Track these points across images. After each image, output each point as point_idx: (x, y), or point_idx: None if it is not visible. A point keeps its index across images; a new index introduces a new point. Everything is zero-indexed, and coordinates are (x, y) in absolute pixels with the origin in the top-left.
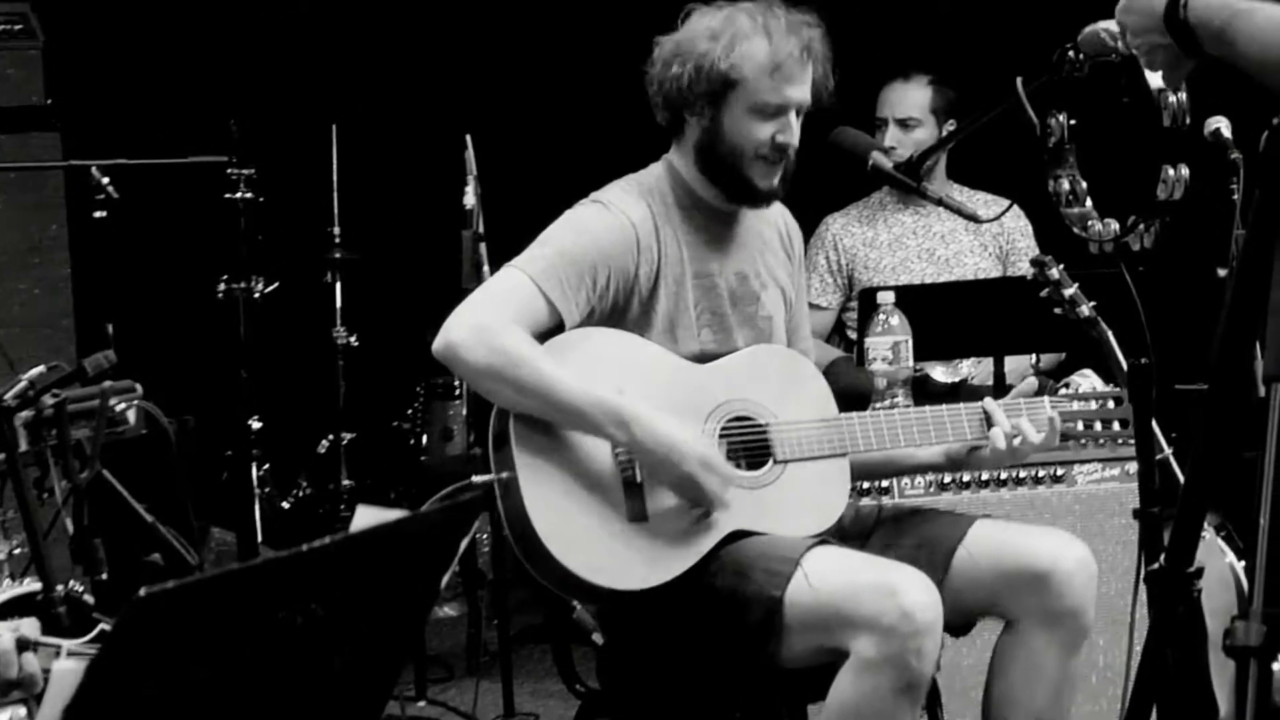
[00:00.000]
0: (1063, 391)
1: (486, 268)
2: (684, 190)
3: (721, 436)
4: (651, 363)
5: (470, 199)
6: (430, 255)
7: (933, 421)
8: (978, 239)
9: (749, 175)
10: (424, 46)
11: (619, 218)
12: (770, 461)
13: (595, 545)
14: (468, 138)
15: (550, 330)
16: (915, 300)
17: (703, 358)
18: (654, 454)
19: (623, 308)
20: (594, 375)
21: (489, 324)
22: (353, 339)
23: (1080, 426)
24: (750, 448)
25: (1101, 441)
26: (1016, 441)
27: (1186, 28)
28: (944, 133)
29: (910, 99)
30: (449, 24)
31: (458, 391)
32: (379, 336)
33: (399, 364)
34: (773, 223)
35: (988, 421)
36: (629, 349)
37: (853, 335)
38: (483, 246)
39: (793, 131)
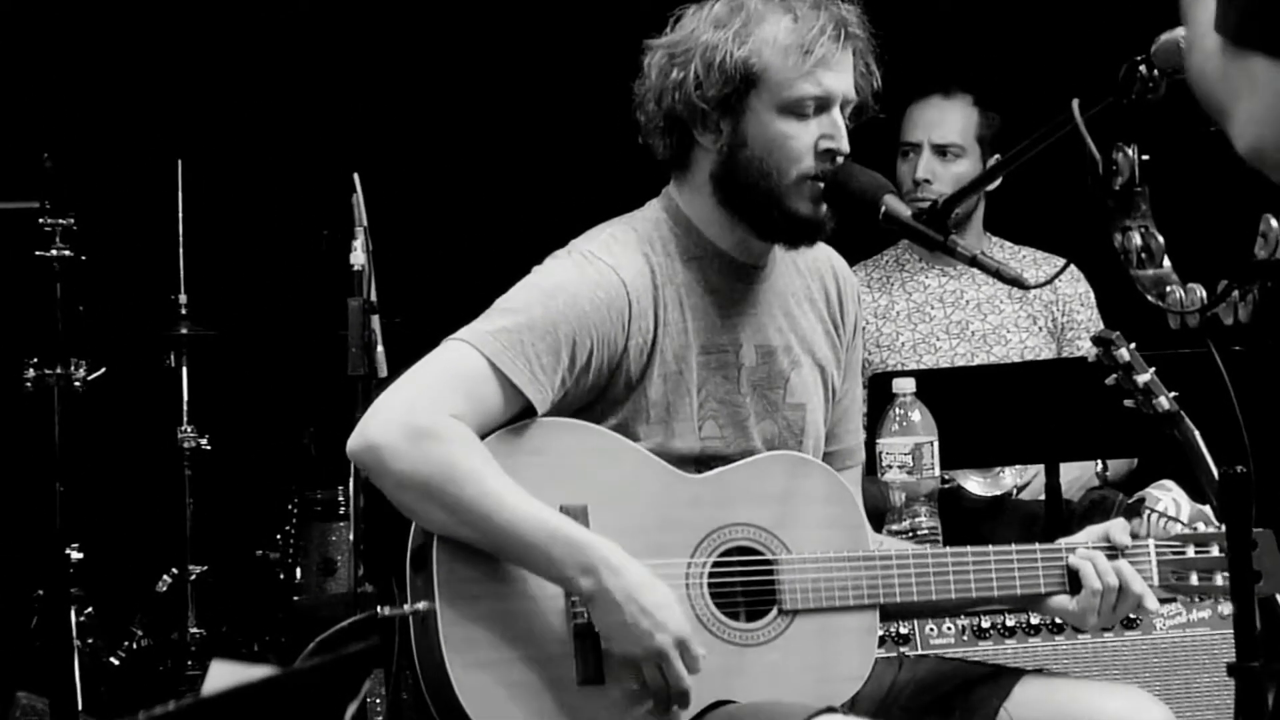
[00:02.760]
0: (1161, 522)
1: (380, 348)
2: (693, 237)
3: (714, 576)
4: (628, 471)
5: (359, 257)
6: (305, 332)
7: (996, 566)
8: (1024, 309)
9: (789, 202)
10: (297, 57)
11: (606, 274)
12: (774, 610)
13: (531, 711)
14: (355, 177)
15: (509, 423)
16: (943, 389)
17: (703, 460)
18: (621, 615)
19: (603, 389)
20: (550, 486)
21: (429, 424)
22: (204, 441)
23: (1194, 579)
24: (751, 592)
25: (1206, 598)
26: (1112, 606)
27: None
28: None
29: (952, 120)
30: (331, 28)
31: (342, 510)
32: (238, 438)
33: (264, 474)
34: (815, 272)
35: (1075, 580)
36: (598, 451)
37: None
38: (375, 320)
39: (841, 134)
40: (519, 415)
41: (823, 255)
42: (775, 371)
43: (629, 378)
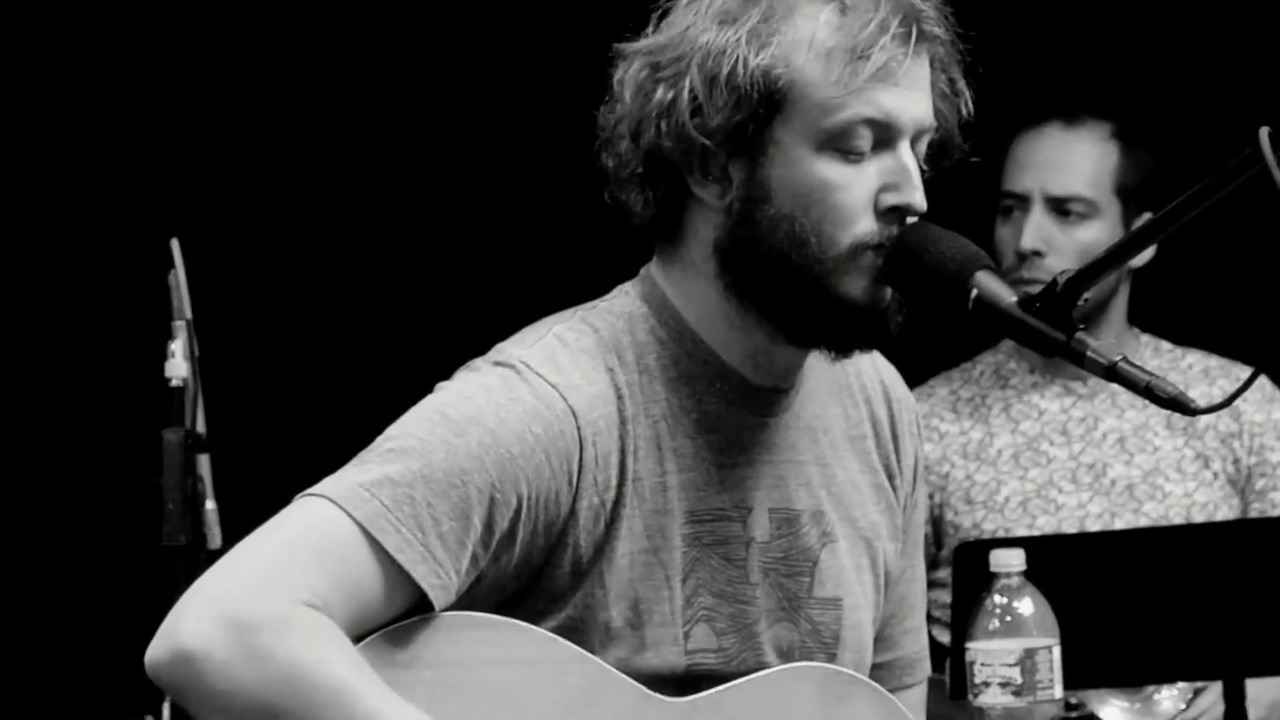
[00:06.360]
0: None
1: (211, 504)
2: (684, 344)
3: None
4: (573, 693)
5: (179, 366)
6: (96, 482)
7: None
8: (1190, 445)
9: (837, 284)
10: (88, 70)
11: (547, 399)
12: None
13: None
14: (174, 245)
15: (395, 620)
16: (1067, 565)
17: (689, 684)
18: None
19: (537, 574)
20: (458, 716)
21: (264, 614)
22: None
23: None
24: None
25: None
26: None
27: None
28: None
29: (1078, 161)
30: (141, 27)
31: None
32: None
33: (38, 694)
34: (854, 392)
35: None
36: (527, 663)
37: (941, 635)
38: (204, 460)
39: (913, 181)
40: (412, 611)
41: (865, 365)
42: (799, 549)
43: (577, 559)
